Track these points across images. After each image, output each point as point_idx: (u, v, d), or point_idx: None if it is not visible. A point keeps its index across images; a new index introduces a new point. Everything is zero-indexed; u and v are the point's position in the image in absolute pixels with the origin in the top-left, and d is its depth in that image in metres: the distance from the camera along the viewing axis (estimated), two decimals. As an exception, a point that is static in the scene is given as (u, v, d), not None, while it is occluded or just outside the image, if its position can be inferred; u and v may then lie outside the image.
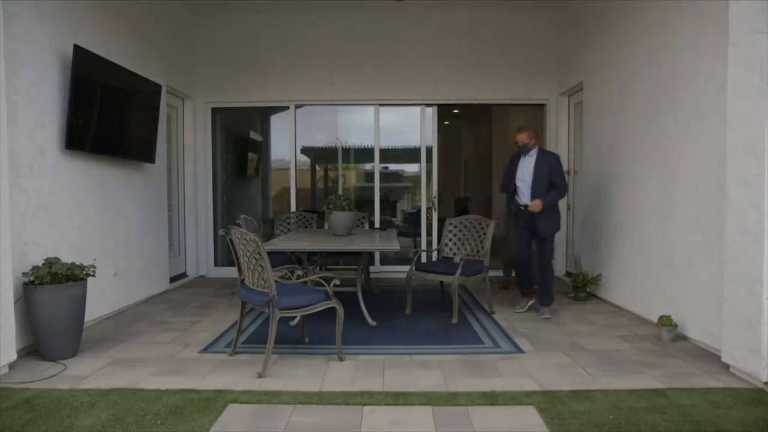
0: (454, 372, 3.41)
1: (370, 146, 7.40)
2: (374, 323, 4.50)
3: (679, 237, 4.19)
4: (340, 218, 4.94)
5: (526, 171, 4.88)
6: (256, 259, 3.43)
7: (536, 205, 4.72)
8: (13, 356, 3.37)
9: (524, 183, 4.88)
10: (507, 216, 5.41)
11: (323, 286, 3.69)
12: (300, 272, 4.83)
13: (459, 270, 4.66)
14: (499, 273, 7.21)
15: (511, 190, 5.00)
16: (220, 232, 4.20)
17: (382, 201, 7.38)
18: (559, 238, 7.11)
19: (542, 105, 7.24)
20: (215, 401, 2.92)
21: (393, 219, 8.01)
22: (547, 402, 2.91)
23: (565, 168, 6.98)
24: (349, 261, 6.07)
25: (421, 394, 3.02)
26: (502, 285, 6.26)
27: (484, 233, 5.06)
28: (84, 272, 3.80)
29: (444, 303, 5.26)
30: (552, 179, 4.78)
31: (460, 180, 12.57)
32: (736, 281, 3.25)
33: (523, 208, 4.86)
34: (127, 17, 5.26)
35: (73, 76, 4.16)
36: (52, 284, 3.59)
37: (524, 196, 4.88)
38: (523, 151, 4.90)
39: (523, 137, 4.87)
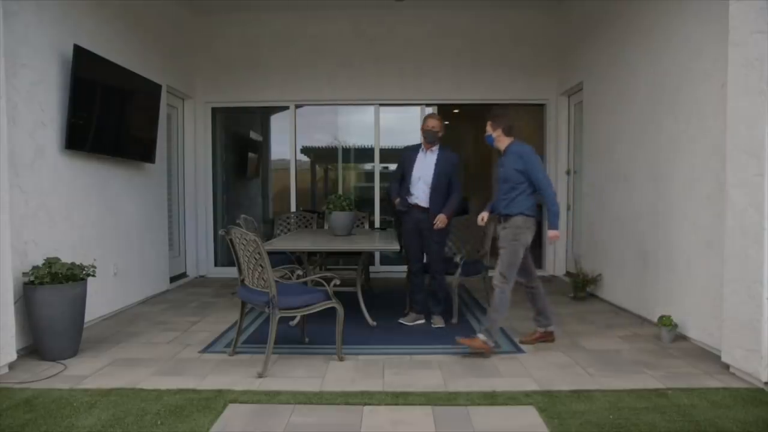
0: (454, 372, 3.41)
1: (370, 146, 7.40)
2: (374, 323, 4.50)
3: (678, 237, 4.19)
4: (340, 218, 4.94)
5: (426, 169, 4.46)
6: (256, 259, 3.43)
7: (442, 221, 4.34)
8: (13, 356, 3.36)
9: (424, 182, 4.47)
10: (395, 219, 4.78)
11: (323, 286, 3.69)
12: (300, 272, 4.82)
13: (459, 270, 4.66)
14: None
15: (405, 188, 4.54)
16: (220, 232, 4.20)
17: (382, 201, 7.38)
18: (560, 237, 7.11)
19: (542, 105, 7.25)
20: (215, 401, 2.92)
21: (393, 219, 8.01)
22: (546, 402, 2.91)
23: (564, 168, 7.03)
24: (349, 261, 6.07)
25: (421, 394, 3.02)
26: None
27: (484, 233, 5.06)
28: (84, 272, 3.80)
29: (446, 302, 5.26)
30: (452, 179, 4.44)
31: (460, 180, 12.56)
32: (736, 281, 3.25)
33: (406, 209, 4.51)
34: (127, 17, 5.26)
35: (73, 76, 4.17)
36: (52, 284, 3.59)
37: (421, 195, 4.49)
38: (430, 139, 4.45)
39: (436, 124, 4.43)
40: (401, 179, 4.63)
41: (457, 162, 4.51)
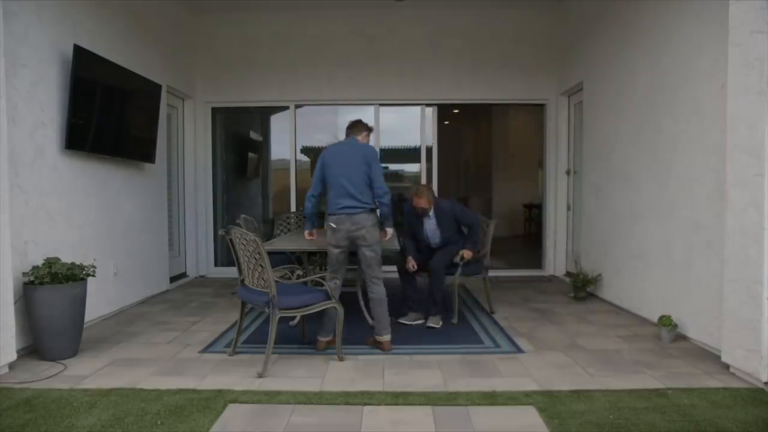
0: (454, 372, 3.41)
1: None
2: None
3: (678, 237, 4.19)
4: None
5: (432, 233, 4.77)
6: (256, 259, 3.43)
7: (468, 255, 4.62)
8: (13, 356, 3.36)
9: (433, 241, 4.79)
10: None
11: (323, 286, 3.69)
12: (300, 272, 4.82)
13: (459, 270, 4.66)
14: (505, 272, 7.22)
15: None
16: (220, 232, 4.20)
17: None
18: (559, 238, 7.14)
19: (542, 105, 7.24)
20: (215, 401, 2.93)
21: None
22: (546, 402, 2.91)
23: (564, 168, 7.03)
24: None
25: (421, 394, 3.02)
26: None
27: (484, 233, 5.06)
28: (84, 272, 3.80)
29: (444, 303, 5.26)
30: (467, 223, 4.75)
31: (460, 180, 12.58)
32: (736, 281, 3.25)
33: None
34: (127, 17, 5.26)
35: (73, 76, 4.16)
36: (52, 284, 3.59)
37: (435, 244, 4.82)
38: (421, 213, 4.70)
39: (422, 203, 4.63)
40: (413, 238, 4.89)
41: (452, 209, 4.72)
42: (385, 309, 3.89)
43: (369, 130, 4.15)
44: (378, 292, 3.88)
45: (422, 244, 4.86)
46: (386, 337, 3.88)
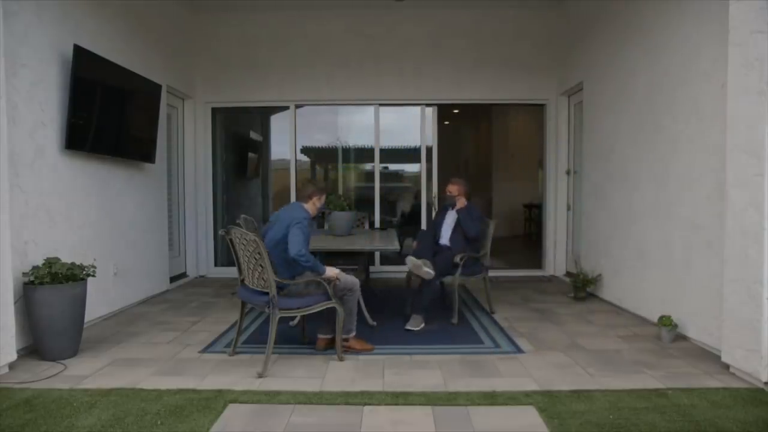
0: (454, 372, 3.41)
1: (370, 146, 7.40)
2: (374, 323, 4.51)
3: (678, 237, 4.19)
4: (340, 218, 4.93)
5: (450, 218, 4.97)
6: (256, 259, 3.43)
7: (462, 203, 4.87)
8: (13, 356, 3.36)
9: (448, 228, 4.98)
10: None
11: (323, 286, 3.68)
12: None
13: (459, 270, 4.66)
14: (505, 272, 7.23)
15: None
16: (220, 232, 4.20)
17: (382, 201, 7.37)
18: (559, 238, 7.14)
19: (542, 105, 7.24)
20: (215, 401, 2.93)
21: (393, 219, 8.00)
22: (546, 402, 2.91)
23: (564, 168, 7.04)
24: (349, 261, 6.05)
25: (421, 394, 3.02)
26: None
27: (484, 233, 5.06)
28: (84, 272, 3.80)
29: (444, 303, 5.26)
30: (471, 215, 4.88)
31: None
32: (736, 281, 3.25)
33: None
34: (127, 17, 5.26)
35: (73, 76, 4.16)
36: (52, 284, 3.59)
37: (446, 241, 4.96)
38: (450, 202, 4.96)
39: (452, 189, 4.92)
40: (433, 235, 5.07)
41: (476, 215, 4.88)
42: (348, 312, 3.74)
43: (319, 194, 3.82)
44: (345, 300, 3.71)
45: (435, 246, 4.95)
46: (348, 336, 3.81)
